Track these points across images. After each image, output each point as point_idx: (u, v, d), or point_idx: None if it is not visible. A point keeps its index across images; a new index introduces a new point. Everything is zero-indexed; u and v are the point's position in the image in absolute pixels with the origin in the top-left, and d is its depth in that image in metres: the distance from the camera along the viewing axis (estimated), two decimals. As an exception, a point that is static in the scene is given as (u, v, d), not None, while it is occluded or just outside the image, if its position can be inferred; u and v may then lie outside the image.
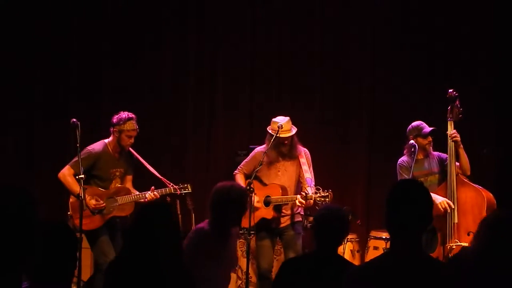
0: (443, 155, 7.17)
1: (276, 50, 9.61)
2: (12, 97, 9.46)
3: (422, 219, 3.35)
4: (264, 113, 8.70)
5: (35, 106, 9.56)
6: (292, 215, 7.24)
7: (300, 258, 5.41)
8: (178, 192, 7.16)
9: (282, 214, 7.21)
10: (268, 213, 7.14)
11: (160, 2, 9.66)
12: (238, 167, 7.44)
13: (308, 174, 7.13)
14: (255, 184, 7.03)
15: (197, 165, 9.49)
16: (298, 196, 6.97)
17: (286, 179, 7.23)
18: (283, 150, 7.20)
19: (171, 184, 7.15)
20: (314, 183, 7.07)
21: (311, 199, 6.87)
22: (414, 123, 7.22)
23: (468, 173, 7.11)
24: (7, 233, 2.81)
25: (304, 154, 7.27)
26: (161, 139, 9.40)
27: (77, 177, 6.72)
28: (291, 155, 7.23)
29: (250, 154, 7.47)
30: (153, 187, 7.15)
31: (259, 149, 7.37)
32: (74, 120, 6.76)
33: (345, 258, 5.71)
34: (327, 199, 6.83)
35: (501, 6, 9.10)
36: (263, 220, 7.12)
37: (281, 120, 7.18)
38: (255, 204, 6.97)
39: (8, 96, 9.44)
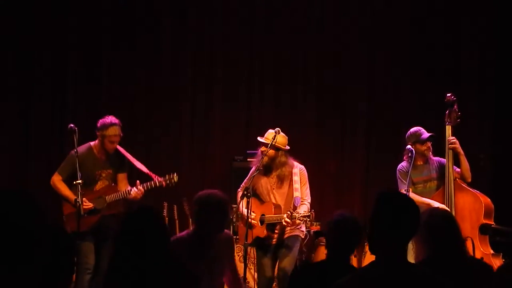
0: (443, 161, 7.18)
1: (274, 53, 9.65)
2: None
3: (408, 229, 3.33)
4: (261, 118, 8.73)
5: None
6: (284, 233, 7.19)
7: (314, 265, 5.33)
8: (164, 184, 7.17)
9: (276, 232, 7.18)
10: (261, 231, 7.14)
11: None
12: (241, 185, 7.38)
13: (298, 193, 7.09)
14: (254, 201, 7.03)
15: (193, 170, 9.49)
16: (285, 215, 6.97)
17: (279, 197, 7.23)
18: (270, 165, 7.16)
19: (156, 176, 7.14)
20: (309, 200, 7.10)
21: (295, 218, 6.89)
22: (413, 129, 7.25)
23: (469, 180, 7.14)
24: (8, 238, 2.82)
25: (298, 172, 7.21)
26: (156, 142, 9.41)
27: (74, 182, 6.79)
28: (282, 172, 7.19)
29: (250, 172, 7.39)
30: (138, 181, 7.17)
31: (255, 168, 7.30)
32: (72, 125, 6.83)
33: (355, 267, 5.65)
34: (308, 219, 6.85)
35: (502, 8, 9.16)
36: (257, 238, 7.13)
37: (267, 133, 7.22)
38: (252, 222, 6.99)
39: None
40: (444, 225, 4.40)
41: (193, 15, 9.64)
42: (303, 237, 7.39)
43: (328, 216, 4.77)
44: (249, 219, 6.88)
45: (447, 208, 6.90)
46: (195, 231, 5.51)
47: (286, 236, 7.18)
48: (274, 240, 7.18)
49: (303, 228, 7.27)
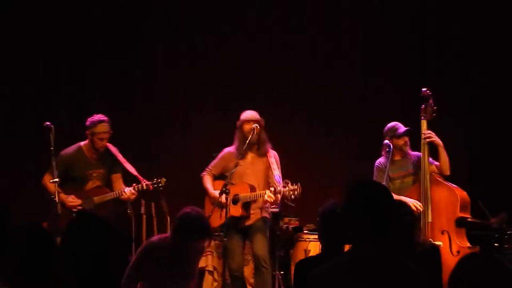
0: (421, 155, 7.25)
1: (256, 53, 9.72)
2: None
3: (381, 217, 3.31)
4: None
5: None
6: (259, 213, 7.37)
7: (313, 258, 5.23)
8: (151, 187, 7.23)
9: (251, 212, 7.31)
10: (236, 210, 7.24)
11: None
12: (206, 169, 7.57)
13: (277, 172, 7.27)
14: (222, 183, 7.13)
15: (172, 169, 9.50)
16: (267, 191, 7.07)
17: (254, 178, 7.36)
18: (252, 140, 7.31)
19: (144, 180, 7.20)
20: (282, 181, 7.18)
21: (280, 193, 6.98)
22: (390, 124, 7.32)
23: (448, 173, 7.21)
24: None
25: (273, 154, 7.39)
26: (135, 139, 9.42)
27: (51, 180, 6.83)
28: (261, 150, 7.33)
29: (219, 155, 7.58)
30: (134, 184, 7.23)
31: (228, 149, 7.52)
32: (48, 123, 6.86)
33: None
34: (296, 192, 6.96)
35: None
36: (231, 218, 7.19)
37: (248, 113, 7.43)
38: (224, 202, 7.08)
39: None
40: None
41: (184, 15, 9.73)
42: (269, 218, 7.51)
43: (318, 207, 4.72)
44: (226, 196, 6.97)
45: (419, 204, 6.98)
46: (173, 242, 5.44)
47: (254, 218, 7.31)
48: (249, 219, 7.28)
49: (269, 210, 7.47)
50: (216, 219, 7.24)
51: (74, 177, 7.26)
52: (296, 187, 7.00)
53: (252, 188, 7.28)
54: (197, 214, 5.41)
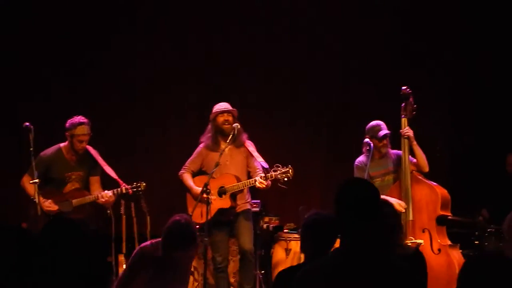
0: (401, 153, 7.27)
1: (232, 49, 9.70)
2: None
3: (369, 214, 3.34)
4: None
5: None
6: (242, 206, 7.43)
7: (296, 268, 5.11)
8: (130, 192, 7.23)
9: (237, 203, 7.35)
10: (225, 202, 7.27)
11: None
12: (184, 166, 7.58)
13: (260, 158, 7.27)
14: (204, 178, 7.14)
15: (151, 168, 9.50)
16: (257, 178, 7.08)
17: (234, 169, 7.38)
18: (224, 128, 7.34)
19: (124, 184, 7.19)
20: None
21: (272, 178, 6.99)
22: (373, 123, 7.34)
23: (426, 169, 7.24)
24: None
25: (249, 143, 7.43)
26: (114, 139, 9.39)
27: (30, 181, 6.81)
28: (238, 141, 7.35)
29: (195, 151, 7.59)
30: (119, 189, 7.21)
31: (203, 145, 7.51)
32: (28, 124, 6.83)
33: None
34: (288, 174, 6.98)
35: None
36: (220, 211, 7.19)
37: (221, 105, 7.47)
38: (211, 197, 7.08)
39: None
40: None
41: (170, 21, 9.73)
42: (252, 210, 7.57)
43: (302, 216, 4.75)
44: (206, 196, 6.95)
45: (402, 203, 7.01)
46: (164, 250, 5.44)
47: (240, 210, 7.32)
48: (237, 208, 7.32)
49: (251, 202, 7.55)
50: (198, 216, 7.22)
51: (53, 179, 7.24)
52: (288, 169, 7.01)
53: (237, 178, 7.29)
54: (186, 222, 5.38)
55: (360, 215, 3.31)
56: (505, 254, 3.79)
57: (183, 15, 9.72)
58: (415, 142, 7.16)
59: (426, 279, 4.85)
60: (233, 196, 7.30)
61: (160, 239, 5.52)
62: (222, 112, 7.42)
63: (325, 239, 4.51)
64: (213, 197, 7.19)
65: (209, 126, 7.52)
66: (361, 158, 7.35)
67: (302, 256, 7.96)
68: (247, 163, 7.43)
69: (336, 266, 3.28)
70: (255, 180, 7.14)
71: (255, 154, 7.34)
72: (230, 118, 7.39)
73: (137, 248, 5.74)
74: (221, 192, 7.29)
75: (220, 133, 7.41)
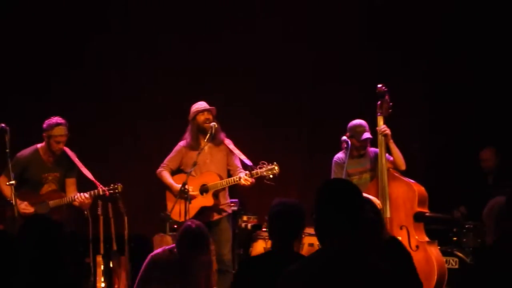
0: (378, 151, 7.32)
1: (207, 53, 9.73)
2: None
3: (352, 214, 3.32)
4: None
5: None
6: (224, 207, 7.42)
7: (259, 257, 5.21)
8: (107, 193, 7.21)
9: (221, 202, 7.35)
10: (208, 200, 7.26)
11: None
12: (162, 164, 7.55)
13: (242, 156, 7.29)
14: (183, 177, 7.14)
15: (127, 168, 9.49)
16: (242, 175, 7.09)
17: (214, 167, 7.37)
18: (205, 127, 7.34)
19: (101, 186, 7.17)
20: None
21: (258, 175, 7.01)
22: (356, 122, 7.35)
23: (403, 167, 7.29)
24: None
25: (230, 142, 7.43)
26: (90, 140, 9.37)
27: (7, 183, 6.78)
28: (217, 139, 7.36)
29: (174, 149, 7.57)
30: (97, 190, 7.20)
31: (183, 143, 7.51)
32: (3, 125, 6.80)
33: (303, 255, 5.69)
34: (274, 171, 7.00)
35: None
36: (202, 209, 7.20)
37: (199, 104, 7.46)
38: (191, 193, 7.07)
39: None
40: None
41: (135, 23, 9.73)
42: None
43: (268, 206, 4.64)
44: (185, 195, 7.02)
45: (378, 201, 7.04)
46: (177, 254, 5.53)
47: (220, 215, 7.33)
48: (216, 217, 7.30)
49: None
50: (176, 215, 7.22)
51: (30, 180, 7.21)
52: (273, 166, 7.03)
53: (220, 176, 7.29)
54: (198, 227, 5.46)
55: (341, 211, 3.29)
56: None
57: (153, 16, 9.75)
58: (391, 140, 7.21)
59: (411, 259, 4.86)
60: (215, 194, 7.29)
61: (171, 245, 5.63)
62: (203, 111, 7.42)
63: (290, 230, 4.47)
64: (195, 193, 7.19)
65: (189, 126, 7.50)
66: (340, 155, 7.39)
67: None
68: (227, 161, 7.43)
69: (320, 267, 3.26)
70: (240, 178, 7.13)
71: (237, 151, 7.35)
72: (210, 117, 7.40)
73: (149, 256, 5.74)
74: (203, 190, 7.28)
75: (201, 132, 7.40)
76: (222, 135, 7.45)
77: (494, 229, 4.02)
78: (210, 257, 5.93)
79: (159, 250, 5.80)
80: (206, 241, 5.49)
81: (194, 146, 7.39)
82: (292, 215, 4.45)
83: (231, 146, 7.41)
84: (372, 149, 7.39)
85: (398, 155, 7.24)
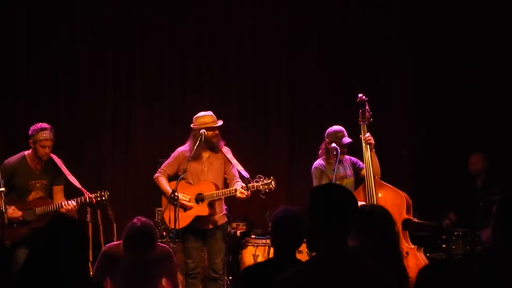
0: (354, 159, 7.45)
1: (193, 49, 9.83)
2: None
3: (344, 221, 3.38)
4: (185, 118, 8.86)
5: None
6: (219, 217, 7.43)
7: (261, 264, 5.18)
8: (94, 201, 7.24)
9: (217, 211, 7.38)
10: (202, 210, 7.25)
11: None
12: (160, 169, 7.51)
13: (240, 167, 7.31)
14: (180, 185, 7.18)
15: (116, 173, 9.55)
16: (238, 187, 7.14)
17: (212, 176, 7.38)
18: (213, 141, 7.38)
19: (88, 193, 7.22)
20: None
21: (254, 188, 7.07)
22: (335, 128, 7.41)
23: (379, 176, 7.36)
24: None
25: (228, 150, 7.47)
26: (78, 145, 9.45)
27: (-2, 190, 6.83)
28: (217, 149, 7.42)
29: (172, 155, 7.54)
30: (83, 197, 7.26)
31: (182, 149, 7.49)
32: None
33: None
34: (271, 186, 7.05)
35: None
36: (197, 218, 7.28)
37: (205, 113, 7.44)
38: (187, 204, 7.14)
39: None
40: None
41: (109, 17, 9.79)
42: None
43: (271, 213, 4.71)
44: (183, 202, 7.10)
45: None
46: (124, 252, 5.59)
47: (215, 224, 7.37)
48: (211, 225, 7.34)
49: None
50: (172, 222, 7.26)
51: (17, 187, 7.22)
52: (270, 180, 7.07)
53: (216, 186, 7.33)
54: (142, 223, 5.50)
55: (335, 217, 3.35)
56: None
57: (133, 16, 9.83)
58: (373, 150, 7.32)
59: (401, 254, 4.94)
60: (211, 204, 7.34)
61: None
62: (212, 128, 7.40)
63: (293, 235, 4.50)
64: (190, 202, 7.24)
65: (192, 135, 7.45)
66: (320, 161, 7.44)
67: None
68: (224, 170, 7.49)
69: (311, 273, 3.31)
70: (236, 190, 7.13)
71: (234, 161, 7.36)
72: (217, 131, 7.46)
73: (102, 250, 5.86)
74: (199, 199, 7.30)
75: (206, 144, 7.43)
76: (221, 143, 7.47)
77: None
78: (166, 249, 5.88)
79: (114, 242, 5.92)
80: (151, 238, 5.51)
81: (195, 155, 7.36)
82: (295, 222, 4.47)
83: (229, 155, 7.41)
84: (348, 156, 7.47)
85: (376, 164, 7.34)
